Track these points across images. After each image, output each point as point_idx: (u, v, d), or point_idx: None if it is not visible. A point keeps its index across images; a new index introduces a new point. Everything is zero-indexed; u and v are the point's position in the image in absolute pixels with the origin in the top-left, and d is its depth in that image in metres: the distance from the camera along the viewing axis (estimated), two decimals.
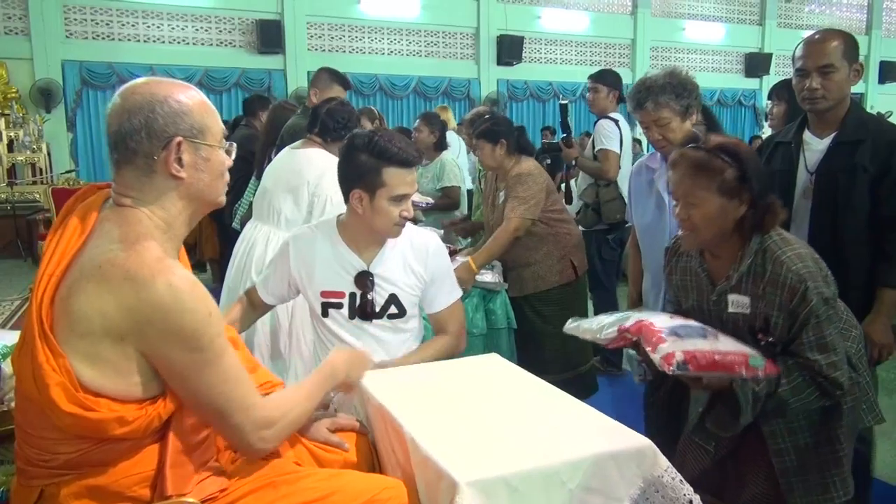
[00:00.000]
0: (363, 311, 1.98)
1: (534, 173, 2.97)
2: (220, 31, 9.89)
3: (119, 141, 1.18)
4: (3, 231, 7.57)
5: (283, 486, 1.31)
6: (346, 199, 1.96)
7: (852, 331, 1.70)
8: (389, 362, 1.94)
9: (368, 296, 1.98)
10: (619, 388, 3.70)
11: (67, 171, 8.60)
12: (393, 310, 2.00)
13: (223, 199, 1.30)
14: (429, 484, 1.35)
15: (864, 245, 2.03)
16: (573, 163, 3.96)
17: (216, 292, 2.83)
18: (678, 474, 1.42)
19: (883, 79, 14.17)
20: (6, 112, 8.37)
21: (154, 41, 9.55)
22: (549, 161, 4.51)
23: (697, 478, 1.74)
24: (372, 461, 1.60)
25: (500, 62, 11.25)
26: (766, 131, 5.09)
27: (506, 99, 11.44)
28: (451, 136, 5.08)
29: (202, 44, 9.80)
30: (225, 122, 1.79)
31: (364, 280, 1.97)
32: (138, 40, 9.45)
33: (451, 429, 1.47)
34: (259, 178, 3.45)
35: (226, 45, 9.94)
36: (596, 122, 3.91)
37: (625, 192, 3.48)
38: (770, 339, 1.58)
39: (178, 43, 9.67)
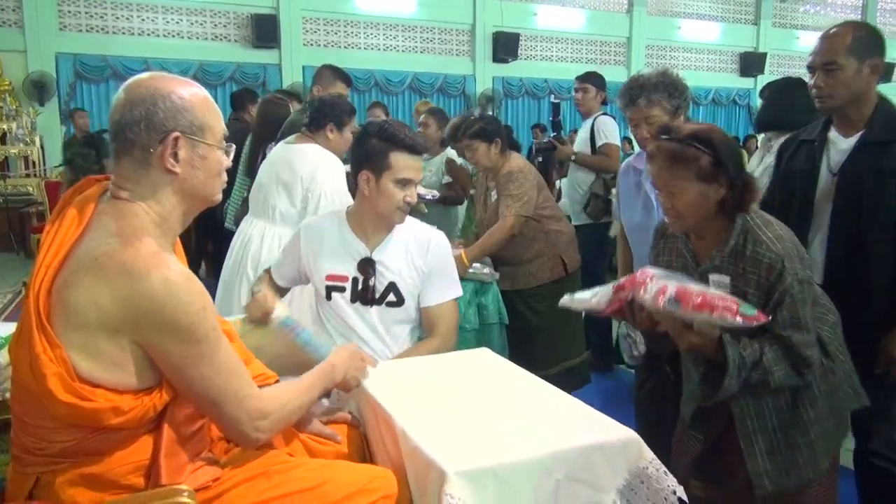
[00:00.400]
0: (363, 296, 2.06)
1: (524, 170, 3.01)
2: (216, 26, 9.88)
3: (119, 131, 1.20)
4: None
5: (275, 476, 1.34)
6: (356, 184, 2.05)
7: (828, 315, 1.72)
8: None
9: (370, 281, 2.05)
10: (611, 381, 3.76)
11: (60, 165, 8.58)
12: (391, 297, 2.07)
13: (219, 198, 1.32)
14: (418, 474, 1.37)
15: (889, 253, 1.91)
16: (571, 158, 4.00)
17: (211, 286, 2.85)
18: (662, 466, 1.45)
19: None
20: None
21: (148, 34, 9.54)
22: (540, 159, 4.55)
23: (692, 466, 1.78)
24: (363, 452, 1.63)
25: (495, 59, 11.28)
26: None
27: (501, 96, 11.47)
28: None
29: (197, 38, 9.79)
30: None
31: (366, 266, 2.05)
32: (132, 33, 9.44)
33: (441, 421, 1.50)
34: (249, 174, 3.46)
35: (221, 40, 9.93)
36: (595, 120, 3.99)
37: None
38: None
39: (173, 36, 9.66)
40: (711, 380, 1.64)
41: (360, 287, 2.06)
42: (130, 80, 1.24)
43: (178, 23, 9.67)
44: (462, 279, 2.91)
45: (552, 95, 4.22)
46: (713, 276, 1.64)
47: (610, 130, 3.91)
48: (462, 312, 2.83)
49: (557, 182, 4.56)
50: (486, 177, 3.19)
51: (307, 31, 10.29)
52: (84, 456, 1.18)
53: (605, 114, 3.98)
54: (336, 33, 10.48)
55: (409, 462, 1.40)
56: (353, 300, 2.07)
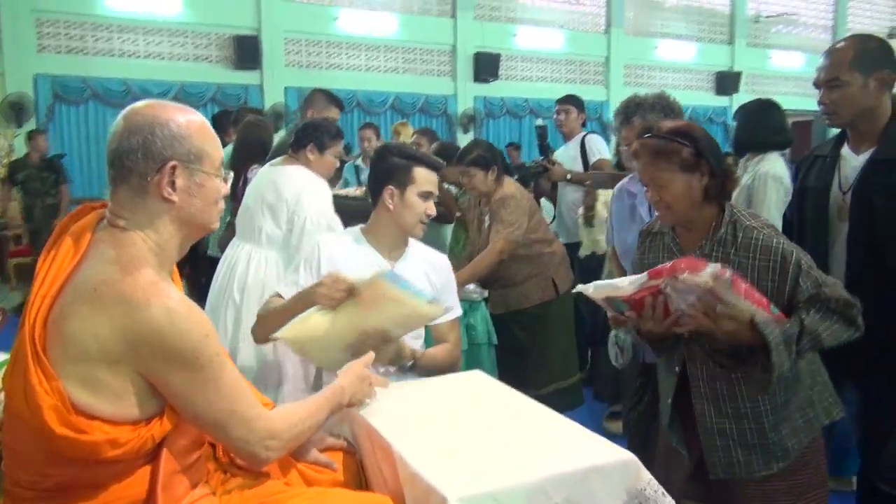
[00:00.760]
0: None
1: (516, 196, 3.06)
2: (197, 47, 9.86)
3: (116, 159, 1.20)
4: None
5: None
6: (376, 201, 2.12)
7: None
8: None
9: None
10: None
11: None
12: None
13: (216, 226, 1.32)
14: (417, 500, 1.36)
15: None
16: (567, 177, 4.04)
17: None
18: (660, 487, 1.45)
19: None
20: None
21: (129, 56, 9.48)
22: (532, 184, 4.60)
23: (683, 486, 1.79)
24: (359, 479, 1.62)
25: (476, 79, 11.36)
26: None
27: (482, 116, 11.54)
28: None
29: (178, 59, 9.75)
30: None
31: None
32: (112, 55, 9.38)
33: (438, 445, 1.49)
34: (231, 197, 3.44)
35: (202, 61, 9.90)
36: (584, 138, 4.11)
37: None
38: None
39: (154, 58, 9.61)
40: (751, 364, 1.63)
41: None
42: (128, 108, 1.24)
43: (158, 44, 9.63)
44: None
45: (539, 119, 4.27)
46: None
47: (601, 147, 4.07)
48: None
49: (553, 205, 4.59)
50: (480, 202, 3.21)
51: (289, 52, 10.30)
52: (79, 490, 1.16)
53: (592, 132, 4.10)
54: (318, 54, 10.50)
55: (409, 489, 1.39)
56: None
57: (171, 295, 1.15)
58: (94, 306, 1.11)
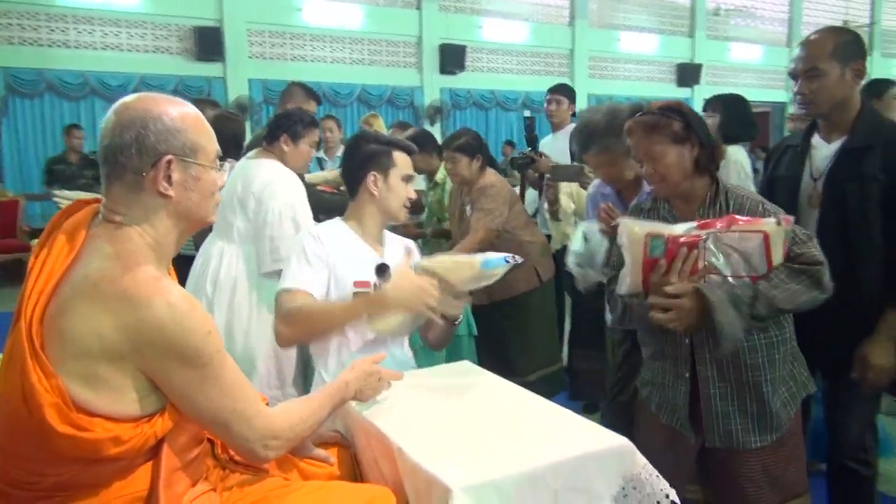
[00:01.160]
0: None
1: (497, 185, 3.08)
2: (157, 38, 9.62)
3: (109, 155, 1.17)
4: None
5: (273, 502, 1.32)
6: (356, 190, 2.07)
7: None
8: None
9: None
10: None
11: None
12: None
13: (213, 219, 1.30)
14: (419, 492, 1.37)
15: (878, 260, 1.91)
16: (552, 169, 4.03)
17: None
18: (654, 470, 1.49)
19: None
20: None
21: (85, 47, 9.20)
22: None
23: (690, 472, 1.84)
24: (354, 473, 1.62)
25: (443, 71, 11.34)
26: None
27: (449, 107, 11.54)
28: None
29: (137, 50, 9.51)
30: None
31: (384, 270, 2.02)
32: (69, 46, 9.10)
33: (435, 436, 1.50)
34: None
35: (162, 52, 9.67)
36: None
37: None
38: None
39: (112, 49, 9.35)
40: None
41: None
42: (118, 102, 1.21)
43: (116, 35, 9.37)
44: None
45: (527, 111, 4.25)
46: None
47: None
48: None
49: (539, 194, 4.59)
50: (462, 191, 3.22)
51: (253, 44, 10.13)
52: (79, 489, 1.14)
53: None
54: (282, 46, 10.35)
55: (410, 481, 1.40)
56: None
57: (173, 291, 1.14)
58: (94, 303, 1.09)
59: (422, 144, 3.35)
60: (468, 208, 3.14)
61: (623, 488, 1.46)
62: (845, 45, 1.96)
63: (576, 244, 2.37)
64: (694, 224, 1.65)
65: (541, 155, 4.01)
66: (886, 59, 15.75)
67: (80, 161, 6.61)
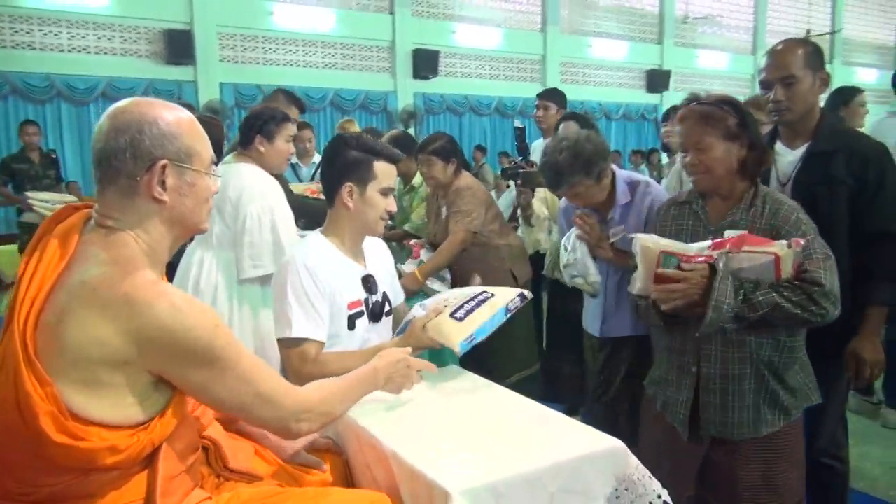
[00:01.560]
0: (377, 313, 2.01)
1: (472, 187, 3.10)
2: (125, 41, 9.47)
3: (103, 159, 1.16)
4: None
5: None
6: (332, 199, 1.97)
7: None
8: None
9: (377, 297, 2.02)
10: None
11: None
12: (387, 307, 2.06)
13: (206, 226, 1.28)
14: (416, 496, 1.37)
15: (845, 261, 1.93)
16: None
17: None
18: (647, 471, 1.50)
19: None
20: None
21: (51, 49, 9.02)
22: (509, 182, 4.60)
23: (693, 472, 1.86)
24: (346, 479, 1.61)
25: (416, 76, 11.37)
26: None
27: (422, 112, 11.55)
28: None
29: (105, 53, 9.35)
30: None
31: (369, 282, 2.00)
32: (34, 48, 8.91)
33: (429, 441, 1.50)
34: None
35: (131, 55, 9.53)
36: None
37: None
38: None
39: (79, 51, 9.18)
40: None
41: (370, 306, 2.00)
42: (113, 106, 1.19)
43: (83, 37, 9.20)
44: (416, 294, 2.94)
45: (516, 121, 4.21)
46: (728, 232, 1.74)
47: None
48: None
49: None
50: (437, 195, 3.23)
51: (224, 47, 10.03)
52: (73, 499, 1.12)
53: None
54: (254, 49, 10.26)
55: (406, 486, 1.39)
56: (370, 321, 1.99)
57: (174, 293, 1.13)
58: (94, 308, 1.07)
59: (403, 147, 3.35)
60: (444, 210, 3.14)
61: (616, 489, 1.48)
62: (813, 54, 2.03)
63: (564, 259, 2.39)
64: (707, 243, 1.68)
65: (532, 164, 4.02)
66: (847, 68, 16.21)
67: (41, 159, 6.41)
